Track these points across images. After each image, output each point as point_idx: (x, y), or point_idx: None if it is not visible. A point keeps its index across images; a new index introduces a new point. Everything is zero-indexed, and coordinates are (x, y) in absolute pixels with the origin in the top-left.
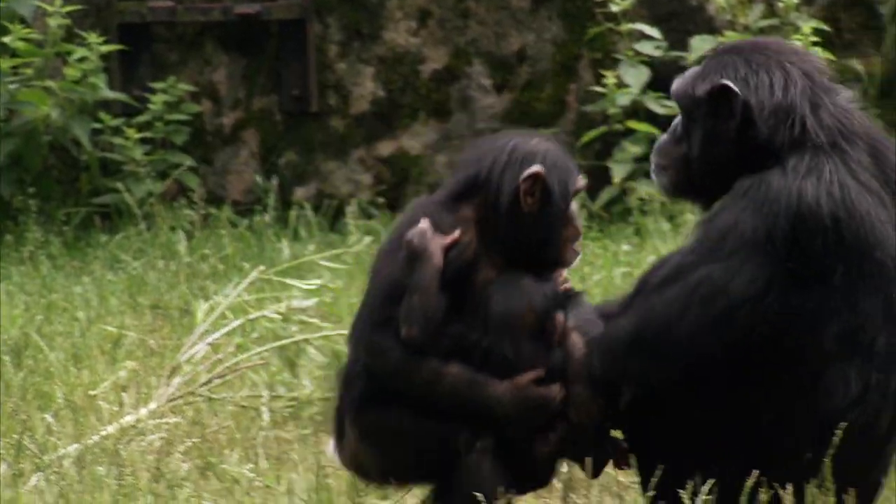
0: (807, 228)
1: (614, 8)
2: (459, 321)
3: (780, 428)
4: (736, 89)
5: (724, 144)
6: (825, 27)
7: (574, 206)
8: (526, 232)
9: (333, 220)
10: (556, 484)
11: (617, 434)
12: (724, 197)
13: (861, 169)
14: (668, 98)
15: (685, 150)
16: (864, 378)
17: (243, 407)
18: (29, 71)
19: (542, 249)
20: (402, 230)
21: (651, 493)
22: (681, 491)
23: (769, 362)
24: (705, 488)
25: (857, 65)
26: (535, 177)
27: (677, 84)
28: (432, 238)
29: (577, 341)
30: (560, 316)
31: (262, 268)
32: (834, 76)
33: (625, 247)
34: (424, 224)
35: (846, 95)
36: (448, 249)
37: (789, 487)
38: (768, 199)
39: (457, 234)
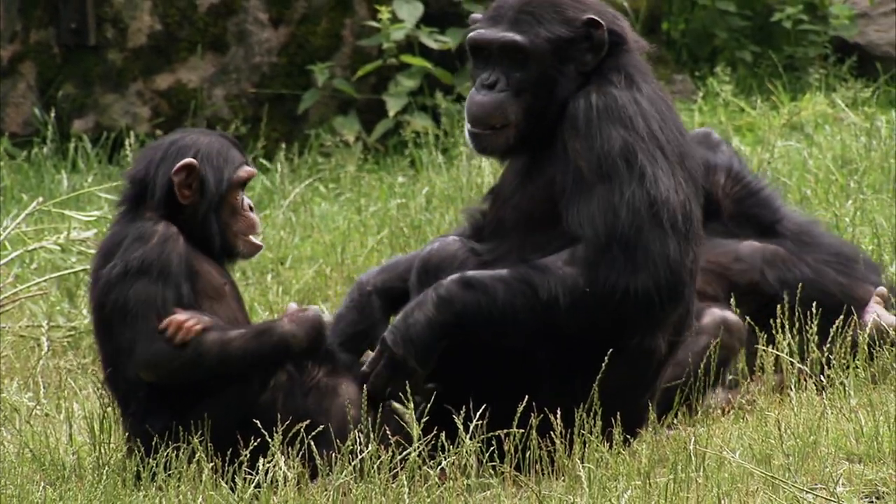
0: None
1: None
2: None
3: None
4: (601, 21)
5: (565, 80)
6: None
7: (243, 197)
8: (197, 226)
9: (112, 152)
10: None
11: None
12: (569, 122)
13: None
14: (442, 33)
15: (527, 102)
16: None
17: (22, 337)
18: None
19: (218, 242)
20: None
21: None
22: (455, 414)
23: None
24: (478, 414)
25: (622, 1)
26: (187, 168)
27: (484, 33)
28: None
29: None
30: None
31: (40, 199)
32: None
33: (400, 178)
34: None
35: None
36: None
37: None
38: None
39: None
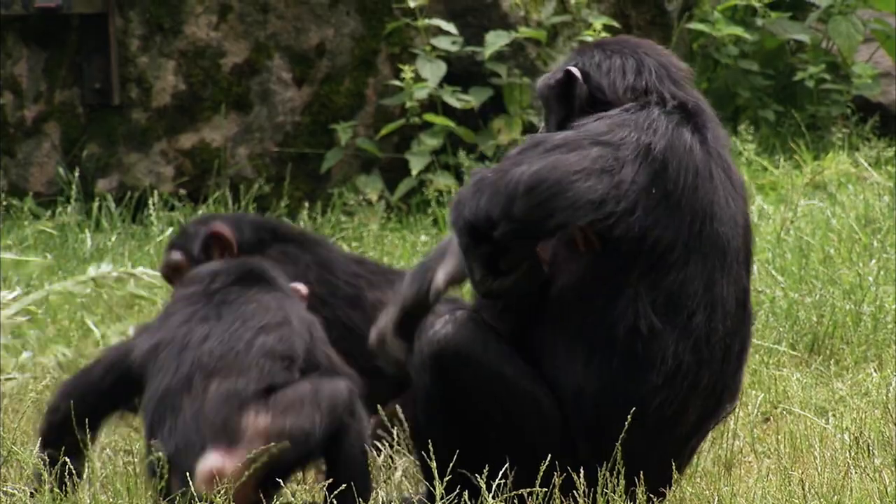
0: (676, 160)
1: (412, 3)
2: None
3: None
4: (576, 72)
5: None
6: (615, 23)
7: None
8: None
9: (135, 211)
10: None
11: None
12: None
13: (725, 152)
14: (465, 92)
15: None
16: (679, 357)
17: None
18: None
19: None
20: None
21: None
22: (477, 476)
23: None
24: (501, 472)
25: None
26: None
27: (538, 83)
28: None
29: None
30: None
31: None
32: (688, 71)
33: (423, 237)
34: None
35: (698, 92)
36: None
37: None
38: (650, 122)
39: None
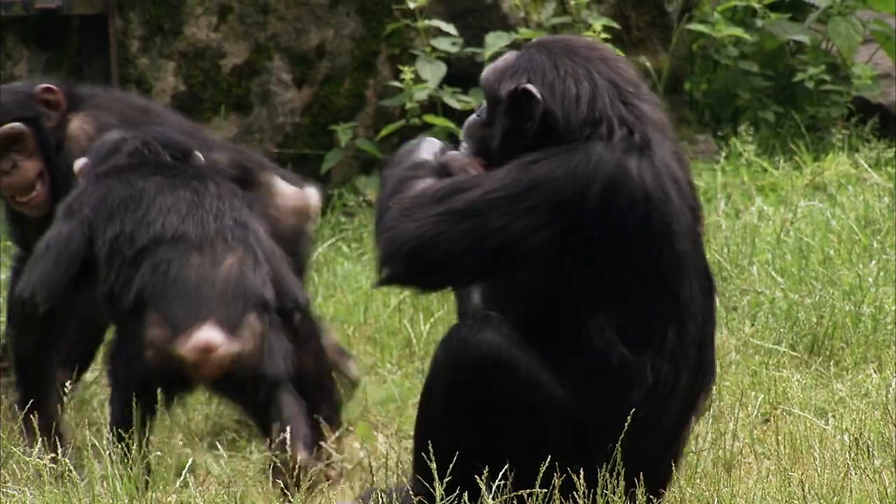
0: (624, 197)
1: (411, 5)
2: None
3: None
4: (538, 95)
5: (521, 140)
6: (615, 25)
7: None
8: None
9: None
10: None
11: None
12: (547, 147)
13: (674, 164)
14: (465, 93)
15: (487, 134)
16: (657, 371)
17: None
18: None
19: None
20: None
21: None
22: (477, 477)
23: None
24: (500, 474)
25: (645, 61)
26: None
27: (485, 73)
28: None
29: None
30: None
31: None
32: (637, 79)
33: None
34: None
35: (650, 99)
36: None
37: (582, 472)
38: (589, 162)
39: None
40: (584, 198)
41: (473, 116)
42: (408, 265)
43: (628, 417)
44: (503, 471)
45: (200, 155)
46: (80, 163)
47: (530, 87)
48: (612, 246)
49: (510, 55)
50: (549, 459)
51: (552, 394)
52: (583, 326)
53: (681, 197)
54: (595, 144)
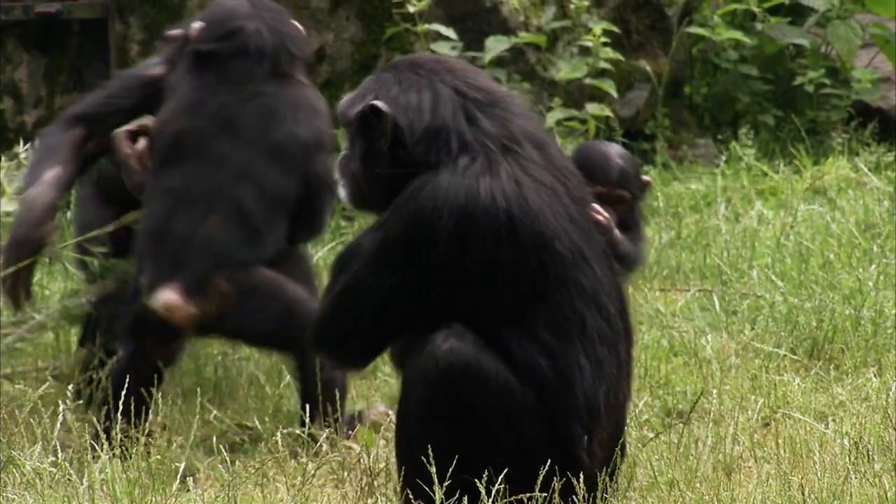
0: (478, 226)
1: (411, 9)
2: None
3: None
4: (385, 109)
5: (380, 160)
6: (615, 29)
7: None
8: None
9: None
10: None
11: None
12: (398, 197)
13: (533, 165)
14: None
15: (353, 166)
16: (593, 356)
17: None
18: None
19: None
20: None
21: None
22: (478, 481)
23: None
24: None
25: (645, 65)
26: None
27: (339, 105)
28: None
29: None
30: None
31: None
32: (491, 86)
33: None
34: None
35: (512, 103)
36: None
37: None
38: (436, 199)
39: None
40: (435, 238)
41: (342, 153)
42: (323, 350)
43: (599, 406)
44: (486, 478)
45: None
46: None
47: (377, 102)
48: (488, 271)
49: (362, 83)
50: (530, 464)
51: (523, 400)
52: (501, 340)
53: (554, 197)
54: (442, 175)
